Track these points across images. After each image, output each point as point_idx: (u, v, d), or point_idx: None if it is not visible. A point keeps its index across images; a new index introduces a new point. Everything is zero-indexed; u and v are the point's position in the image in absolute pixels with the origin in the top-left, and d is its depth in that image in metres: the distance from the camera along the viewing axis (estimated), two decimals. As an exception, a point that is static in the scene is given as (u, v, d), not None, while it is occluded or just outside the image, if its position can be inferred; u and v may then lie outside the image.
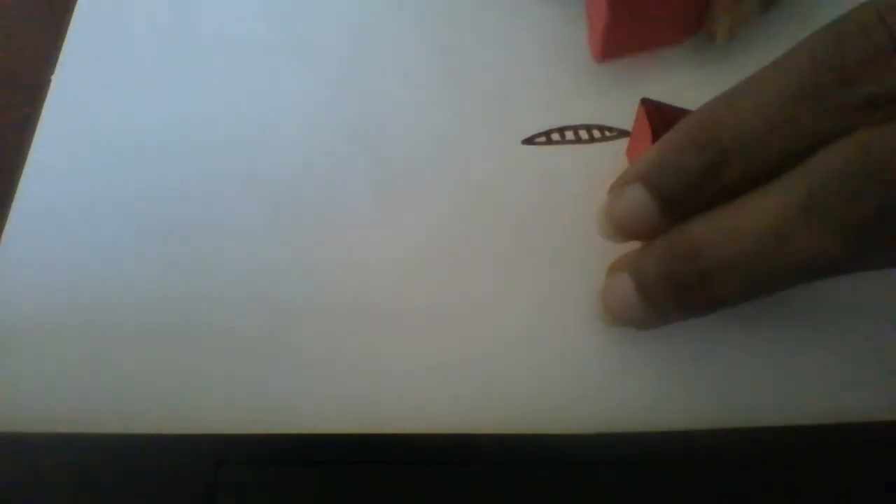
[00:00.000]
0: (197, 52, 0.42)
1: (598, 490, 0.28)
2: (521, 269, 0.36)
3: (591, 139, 0.39)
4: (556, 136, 0.39)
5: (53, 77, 0.41)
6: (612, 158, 0.38)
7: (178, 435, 0.30)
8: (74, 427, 0.31)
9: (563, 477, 0.28)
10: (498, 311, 0.34)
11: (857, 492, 0.28)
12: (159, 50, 0.43)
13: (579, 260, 0.36)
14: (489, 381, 0.33)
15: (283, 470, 0.29)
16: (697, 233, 0.28)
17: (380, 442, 0.30)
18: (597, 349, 0.33)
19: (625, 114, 0.38)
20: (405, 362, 0.33)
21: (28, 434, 0.30)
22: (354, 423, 0.32)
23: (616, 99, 0.40)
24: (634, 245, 0.34)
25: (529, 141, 0.39)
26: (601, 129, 0.40)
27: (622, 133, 0.39)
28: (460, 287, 0.35)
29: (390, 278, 0.35)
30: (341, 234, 0.36)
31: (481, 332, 0.34)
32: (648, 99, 0.36)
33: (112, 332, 0.34)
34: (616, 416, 0.32)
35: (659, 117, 0.36)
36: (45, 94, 0.40)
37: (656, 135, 0.35)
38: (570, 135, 0.40)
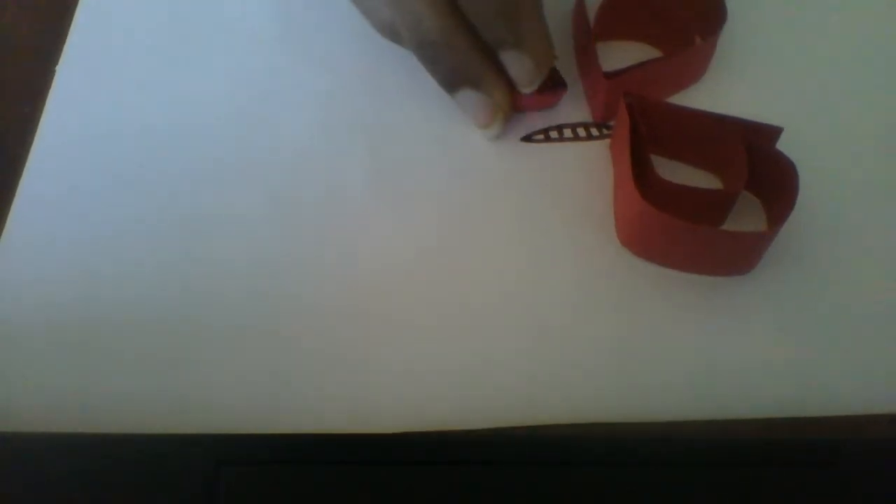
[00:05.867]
0: (198, 48, 0.42)
1: (598, 490, 0.28)
2: (519, 265, 0.36)
3: (589, 137, 0.39)
4: (554, 134, 0.39)
5: (58, 68, 0.41)
6: (608, 155, 0.39)
7: (178, 435, 0.30)
8: (74, 427, 0.31)
9: (564, 477, 0.28)
10: (497, 307, 0.35)
11: (858, 489, 0.29)
12: (160, 46, 0.43)
13: (578, 256, 0.36)
14: (489, 379, 0.33)
15: (283, 470, 0.29)
16: None
17: (380, 442, 0.30)
18: (597, 344, 0.33)
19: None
20: (405, 361, 0.33)
21: (28, 434, 0.30)
22: (354, 423, 0.32)
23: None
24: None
25: (528, 138, 0.39)
26: (598, 126, 0.40)
27: (620, 131, 0.39)
28: (459, 284, 0.35)
29: (389, 275, 0.35)
30: (340, 231, 0.37)
31: (481, 329, 0.34)
32: (630, 93, 0.36)
33: (111, 333, 0.34)
34: (614, 408, 0.32)
35: (639, 111, 0.36)
36: (46, 93, 0.41)
37: (635, 128, 0.35)
38: (568, 132, 0.40)
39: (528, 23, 0.36)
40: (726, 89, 0.40)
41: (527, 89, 0.37)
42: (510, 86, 0.38)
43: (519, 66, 0.36)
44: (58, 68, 0.42)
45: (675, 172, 0.37)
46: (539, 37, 0.36)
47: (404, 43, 0.38)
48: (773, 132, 0.35)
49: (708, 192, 0.35)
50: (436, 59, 0.37)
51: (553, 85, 0.39)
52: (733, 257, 0.34)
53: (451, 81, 0.37)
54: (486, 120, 0.38)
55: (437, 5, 0.35)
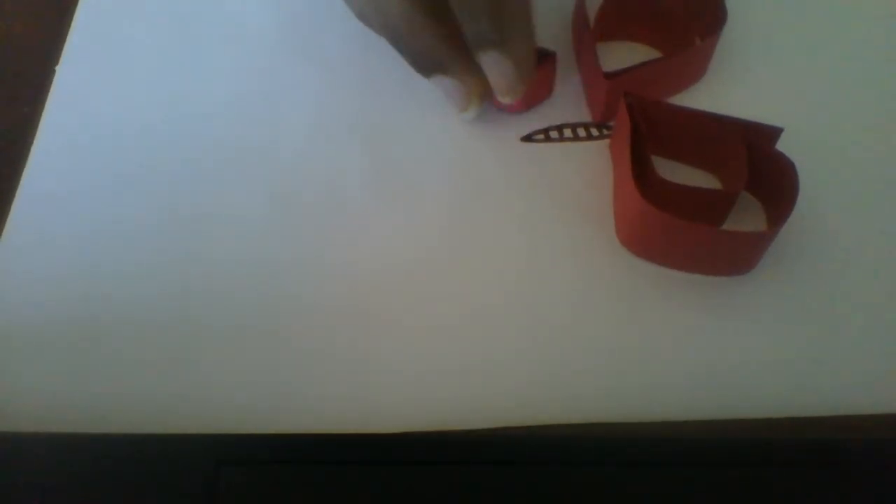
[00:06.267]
0: (200, 46, 0.42)
1: (597, 489, 0.28)
2: (519, 265, 0.36)
3: (589, 137, 0.39)
4: (554, 134, 0.40)
5: (58, 68, 0.41)
6: (608, 155, 0.39)
7: (178, 435, 0.30)
8: (74, 427, 0.31)
9: (564, 476, 0.28)
10: (497, 307, 0.35)
11: (858, 488, 0.29)
12: (159, 46, 0.43)
13: (578, 256, 0.36)
14: (489, 379, 0.33)
15: (283, 470, 0.29)
16: None
17: (380, 442, 0.30)
18: (596, 344, 0.34)
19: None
20: (405, 361, 0.33)
21: (28, 434, 0.30)
22: (354, 423, 0.32)
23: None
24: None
25: (528, 138, 0.39)
26: (598, 126, 0.40)
27: (620, 131, 0.39)
28: (459, 283, 0.35)
29: (390, 275, 0.35)
30: (340, 231, 0.37)
31: (480, 328, 0.34)
32: (630, 93, 0.36)
33: (111, 333, 0.34)
34: (614, 408, 0.32)
35: (639, 111, 0.36)
36: (46, 92, 0.41)
37: (635, 128, 0.35)
38: (568, 132, 0.40)
39: (516, 22, 0.34)
40: (726, 89, 0.40)
41: (506, 98, 0.36)
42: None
43: (499, 70, 0.35)
44: (58, 68, 0.42)
45: (675, 173, 0.38)
46: (525, 40, 0.35)
47: (374, 27, 0.37)
48: (773, 132, 0.35)
49: (708, 192, 0.35)
50: (401, 45, 0.36)
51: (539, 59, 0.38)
52: (733, 257, 0.34)
53: (422, 66, 0.36)
54: (462, 105, 0.38)
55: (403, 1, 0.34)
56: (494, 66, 0.35)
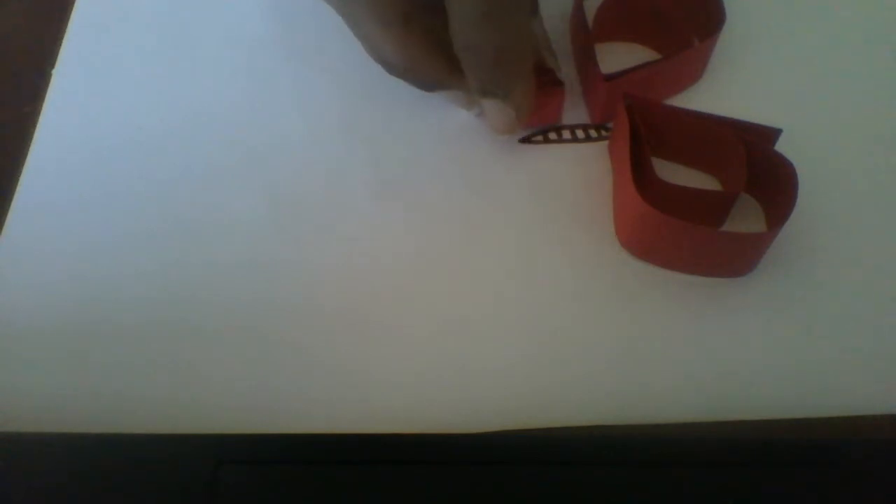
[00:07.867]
0: (197, 50, 0.43)
1: (598, 490, 0.28)
2: (519, 267, 0.36)
3: (588, 138, 0.40)
4: (552, 136, 0.40)
5: (54, 71, 0.41)
6: (607, 157, 0.39)
7: (178, 435, 0.30)
8: (74, 427, 0.31)
9: (564, 477, 0.28)
10: (496, 308, 0.35)
11: (858, 488, 0.29)
12: (158, 48, 0.43)
13: (578, 258, 0.36)
14: (488, 380, 0.33)
15: (283, 470, 0.29)
16: None
17: (380, 442, 0.30)
18: (596, 346, 0.34)
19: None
20: (404, 363, 0.33)
21: (28, 434, 0.30)
22: (354, 423, 0.32)
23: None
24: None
25: (527, 140, 0.39)
26: (597, 128, 0.40)
27: (618, 132, 0.39)
28: (458, 286, 0.35)
29: (389, 276, 0.35)
30: (341, 234, 0.37)
31: (480, 330, 0.34)
32: (630, 94, 0.36)
33: (111, 333, 0.34)
34: (615, 410, 0.32)
35: (638, 112, 0.36)
36: (45, 92, 0.41)
37: (634, 130, 0.35)
38: (566, 134, 0.40)
39: (519, 73, 0.35)
40: (725, 90, 0.41)
41: (503, 135, 0.38)
42: None
43: (500, 115, 0.36)
44: (53, 71, 0.42)
45: (674, 174, 0.38)
46: (526, 89, 0.35)
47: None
48: (772, 133, 0.35)
49: (707, 194, 0.35)
50: (399, 76, 0.36)
51: (549, 84, 0.38)
52: (733, 258, 0.34)
53: (424, 89, 0.37)
54: (468, 106, 0.38)
55: (398, 40, 0.34)
56: (496, 111, 0.36)
